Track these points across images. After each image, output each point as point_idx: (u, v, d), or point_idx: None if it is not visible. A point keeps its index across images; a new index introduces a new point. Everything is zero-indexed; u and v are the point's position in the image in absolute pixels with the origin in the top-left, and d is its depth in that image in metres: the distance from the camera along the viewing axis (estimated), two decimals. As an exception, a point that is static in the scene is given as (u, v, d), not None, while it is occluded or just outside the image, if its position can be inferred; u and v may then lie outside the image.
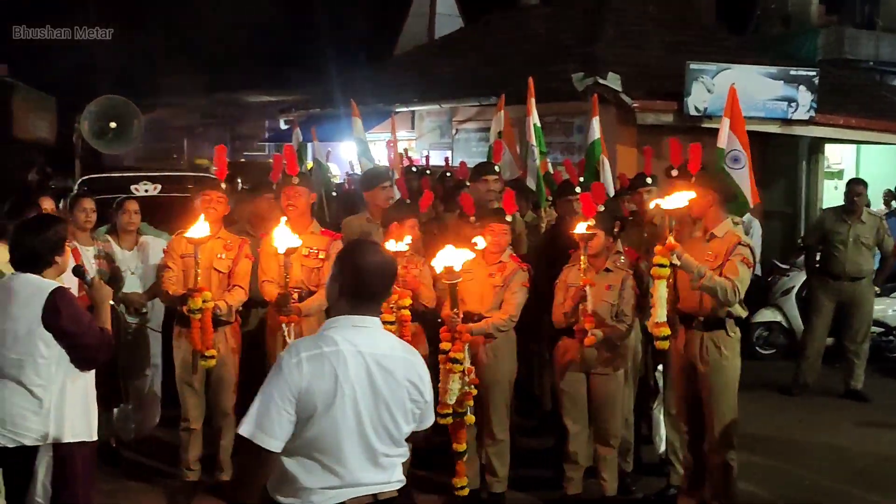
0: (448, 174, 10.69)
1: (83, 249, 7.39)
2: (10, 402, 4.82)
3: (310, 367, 3.36)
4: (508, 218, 7.09)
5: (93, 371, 5.09)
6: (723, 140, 7.74)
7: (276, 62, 24.70)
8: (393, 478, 3.55)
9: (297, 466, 3.40)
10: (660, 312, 6.10)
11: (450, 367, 6.06)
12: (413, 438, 3.68)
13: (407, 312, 6.53)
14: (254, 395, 7.12)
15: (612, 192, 8.71)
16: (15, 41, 12.57)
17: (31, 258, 4.98)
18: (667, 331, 6.12)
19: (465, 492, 6.49)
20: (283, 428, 3.35)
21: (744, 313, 6.45)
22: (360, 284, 3.53)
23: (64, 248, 5.07)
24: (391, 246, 6.30)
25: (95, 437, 5.11)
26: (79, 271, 5.29)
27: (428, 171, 11.30)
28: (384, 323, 6.37)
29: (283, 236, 6.42)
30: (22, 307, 4.83)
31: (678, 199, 6.13)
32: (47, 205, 7.55)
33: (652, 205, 7.22)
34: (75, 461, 4.94)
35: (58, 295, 4.85)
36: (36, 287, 4.88)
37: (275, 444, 3.34)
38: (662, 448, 7.46)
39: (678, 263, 6.09)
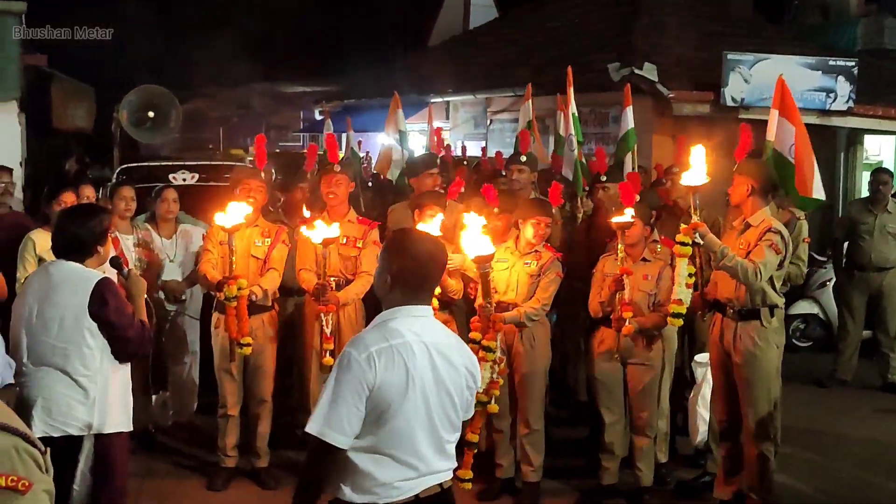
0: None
1: (122, 238, 7.46)
2: (56, 392, 4.82)
3: (381, 362, 3.32)
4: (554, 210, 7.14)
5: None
6: (772, 132, 7.59)
7: (311, 53, 24.79)
8: (453, 464, 3.58)
9: (370, 462, 3.36)
10: (678, 290, 6.11)
11: (482, 355, 6.08)
12: None
13: (435, 302, 6.57)
14: (290, 383, 7.21)
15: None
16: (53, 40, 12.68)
17: (75, 246, 4.99)
18: (682, 309, 6.14)
19: (469, 486, 6.48)
20: (352, 425, 3.30)
21: (779, 301, 6.41)
22: (411, 274, 3.49)
23: (106, 239, 5.09)
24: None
25: (132, 427, 5.17)
26: (116, 263, 5.27)
27: (465, 162, 11.35)
28: None
29: (321, 226, 6.48)
30: (67, 295, 4.84)
31: (697, 175, 6.09)
32: (88, 192, 7.63)
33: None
34: (115, 451, 4.99)
35: (104, 285, 4.88)
36: (81, 276, 4.90)
37: (343, 440, 3.30)
38: (697, 439, 7.45)
39: (701, 243, 6.08)
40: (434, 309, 6.39)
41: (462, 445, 6.31)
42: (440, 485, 3.48)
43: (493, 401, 6.14)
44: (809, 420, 8.84)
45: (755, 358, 6.30)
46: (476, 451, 6.33)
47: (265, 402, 7.17)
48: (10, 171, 8.71)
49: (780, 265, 6.29)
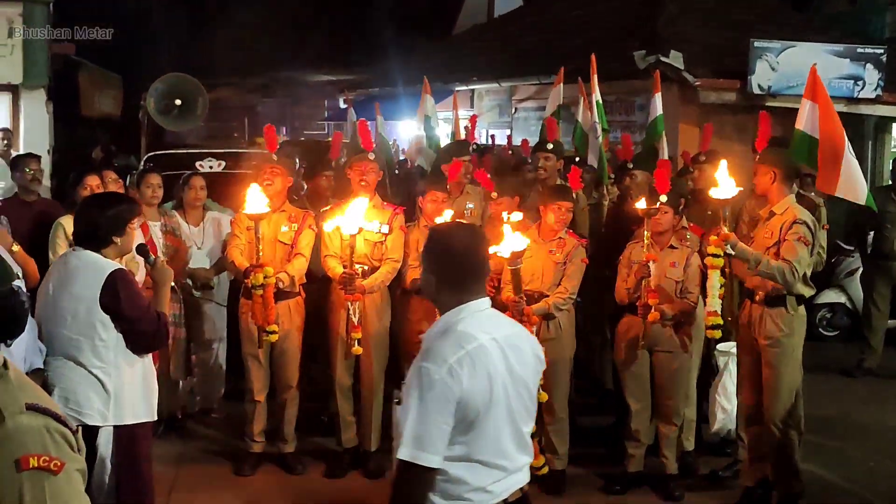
0: (510, 151, 10.71)
1: (151, 225, 7.50)
2: (73, 381, 4.78)
3: (463, 372, 3.17)
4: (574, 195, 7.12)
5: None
6: (802, 121, 7.51)
7: (336, 42, 24.80)
8: (532, 456, 3.50)
9: (460, 469, 3.23)
10: (712, 302, 6.12)
11: None
12: None
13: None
14: (316, 368, 7.20)
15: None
16: (80, 23, 12.78)
17: (91, 234, 4.91)
18: (718, 320, 6.17)
19: (545, 470, 6.55)
20: (443, 441, 3.16)
21: (809, 292, 6.39)
22: (454, 269, 3.37)
23: (125, 230, 4.96)
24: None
25: (156, 416, 5.14)
26: (143, 250, 5.21)
27: (493, 151, 11.36)
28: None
29: (350, 216, 6.50)
30: (81, 286, 4.79)
31: (727, 189, 6.10)
32: (112, 177, 7.65)
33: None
34: (137, 441, 4.96)
35: (117, 276, 4.79)
36: (95, 266, 4.82)
37: (437, 460, 3.16)
38: (715, 427, 7.45)
39: (732, 253, 6.08)
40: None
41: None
42: (521, 489, 3.41)
43: (539, 390, 6.18)
44: (836, 409, 8.80)
45: (780, 344, 6.30)
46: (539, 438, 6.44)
47: (291, 387, 7.21)
48: (38, 158, 8.76)
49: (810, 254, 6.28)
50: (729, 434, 7.41)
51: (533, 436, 6.30)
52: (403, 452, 3.14)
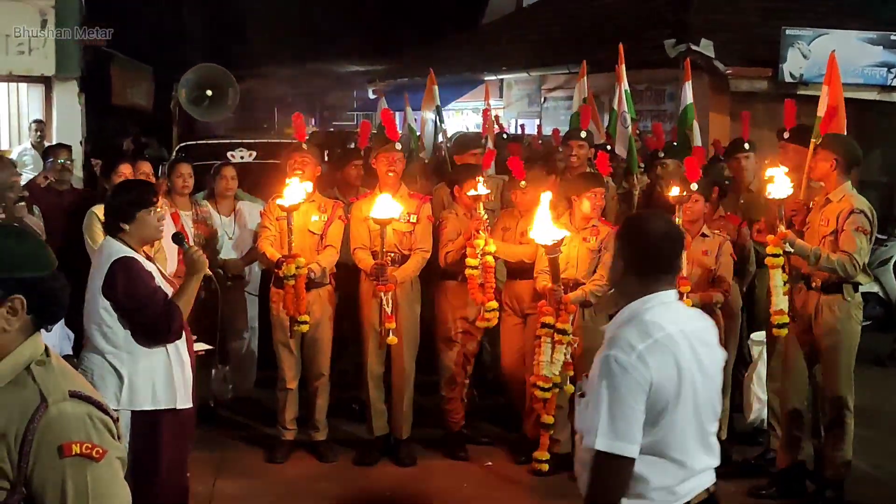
0: (540, 141, 10.68)
1: (182, 214, 7.55)
2: (92, 365, 4.86)
3: (653, 360, 3.09)
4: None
5: (178, 340, 5.03)
6: (823, 108, 7.53)
7: (365, 32, 24.82)
8: (717, 460, 3.35)
9: (644, 466, 3.12)
10: (776, 300, 6.13)
11: (558, 338, 6.15)
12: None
13: (491, 260, 6.67)
14: (346, 356, 7.15)
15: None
16: (114, 12, 12.91)
17: (107, 221, 5.02)
18: (784, 318, 6.19)
19: (545, 467, 6.57)
20: (639, 429, 3.06)
21: (866, 280, 6.39)
22: (645, 258, 3.29)
23: (135, 217, 4.93)
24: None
25: (185, 405, 5.05)
26: (178, 238, 5.20)
27: (524, 140, 11.33)
28: (469, 268, 6.60)
29: (383, 206, 6.53)
30: (94, 274, 4.88)
31: (783, 187, 6.09)
32: (145, 168, 7.69)
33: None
34: (159, 428, 4.93)
35: (118, 265, 4.81)
36: (107, 254, 4.88)
37: (634, 449, 3.06)
38: (751, 417, 7.42)
39: (791, 251, 6.08)
40: (491, 267, 6.60)
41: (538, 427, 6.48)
42: (707, 489, 3.29)
43: (566, 381, 6.22)
44: (869, 398, 8.68)
45: (836, 331, 6.31)
46: (550, 431, 6.45)
47: (323, 375, 7.24)
48: (69, 148, 8.86)
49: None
50: (762, 424, 7.38)
51: (548, 427, 6.40)
52: (601, 443, 3.05)
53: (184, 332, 5.07)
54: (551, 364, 6.26)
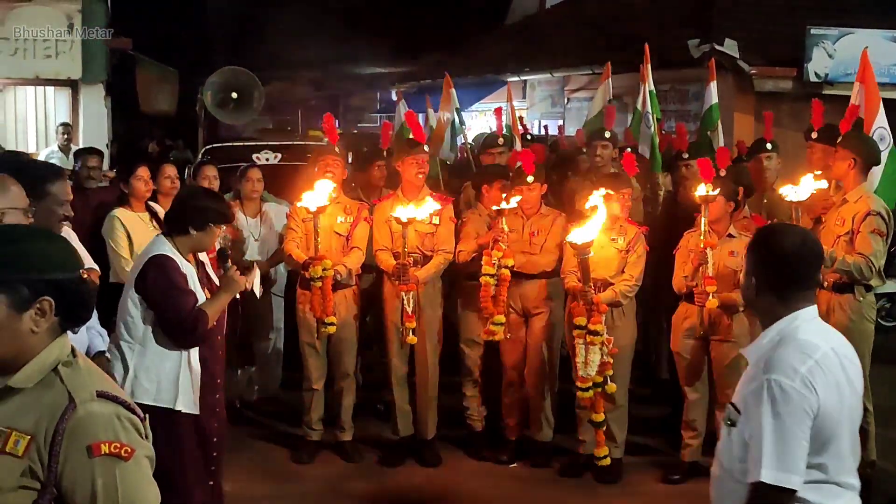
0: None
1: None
2: (113, 355, 4.93)
3: (817, 382, 2.97)
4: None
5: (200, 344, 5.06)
6: (860, 104, 7.48)
7: (388, 34, 24.86)
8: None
9: (813, 493, 3.03)
10: None
11: (591, 339, 6.16)
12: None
13: (507, 272, 6.66)
14: (371, 357, 7.15)
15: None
16: (139, 16, 13.01)
17: (172, 217, 5.11)
18: None
19: (608, 461, 6.58)
20: (803, 461, 2.96)
21: (878, 283, 6.35)
22: (792, 275, 3.14)
23: (206, 227, 5.03)
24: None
25: (188, 410, 5.04)
26: (223, 255, 5.32)
27: (546, 140, 11.31)
28: (485, 275, 6.59)
29: (403, 208, 6.56)
30: (133, 267, 4.98)
31: (803, 189, 6.06)
32: (170, 172, 7.73)
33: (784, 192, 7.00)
34: (159, 423, 4.95)
35: (154, 261, 4.90)
36: (149, 250, 4.99)
37: (799, 481, 2.96)
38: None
39: None
40: (507, 279, 6.59)
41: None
42: None
43: (607, 380, 6.23)
44: (894, 399, 8.67)
45: (849, 331, 6.24)
46: (603, 428, 6.48)
47: (349, 375, 7.28)
48: (99, 154, 8.92)
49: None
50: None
51: (598, 425, 6.43)
52: (766, 475, 2.93)
53: (210, 346, 5.15)
54: (586, 365, 6.26)
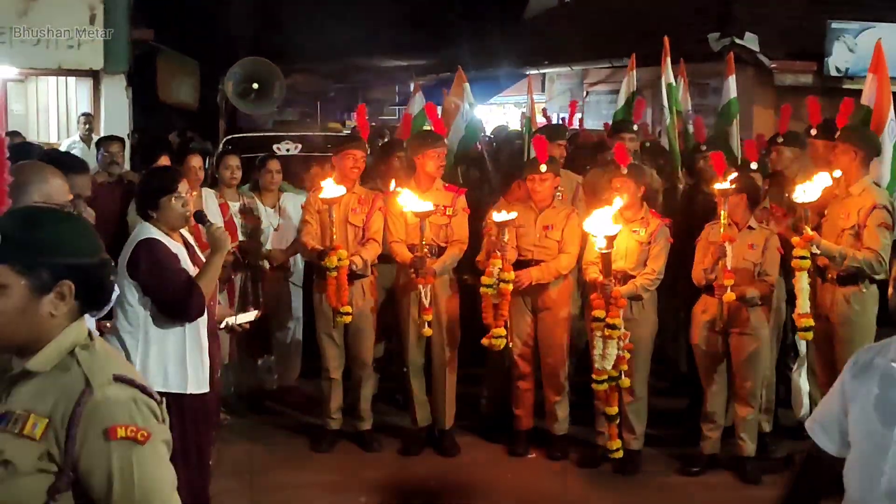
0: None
1: (230, 205, 7.69)
2: (114, 346, 4.86)
3: None
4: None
5: (198, 324, 5.09)
6: (867, 97, 7.48)
7: (407, 27, 24.84)
8: None
9: None
10: (802, 304, 6.10)
11: (608, 332, 6.15)
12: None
13: (509, 287, 6.60)
14: (391, 348, 7.18)
15: (737, 154, 8.52)
16: (161, 7, 13.03)
17: (137, 209, 5.18)
18: (810, 322, 6.17)
19: (620, 453, 6.57)
20: None
21: (884, 274, 6.33)
22: None
23: (158, 204, 5.04)
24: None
25: (197, 390, 5.07)
26: (200, 217, 5.35)
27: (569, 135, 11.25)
28: (483, 286, 6.53)
29: (413, 201, 6.56)
30: (122, 255, 4.98)
31: (812, 191, 6.05)
32: (194, 162, 7.76)
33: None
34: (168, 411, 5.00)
35: (142, 246, 4.94)
36: (135, 236, 5.03)
37: None
38: (801, 413, 7.35)
39: (818, 252, 6.07)
40: (508, 293, 6.51)
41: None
42: None
43: (622, 375, 6.23)
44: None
45: (851, 322, 6.30)
46: (616, 422, 6.46)
47: (367, 365, 7.30)
48: (120, 141, 8.97)
49: None
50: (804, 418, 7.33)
51: (612, 418, 6.41)
52: None
53: (207, 317, 5.17)
54: (603, 359, 6.25)
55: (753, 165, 6.85)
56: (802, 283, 6.10)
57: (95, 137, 11.97)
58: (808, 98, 7.61)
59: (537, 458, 7.20)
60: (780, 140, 7.82)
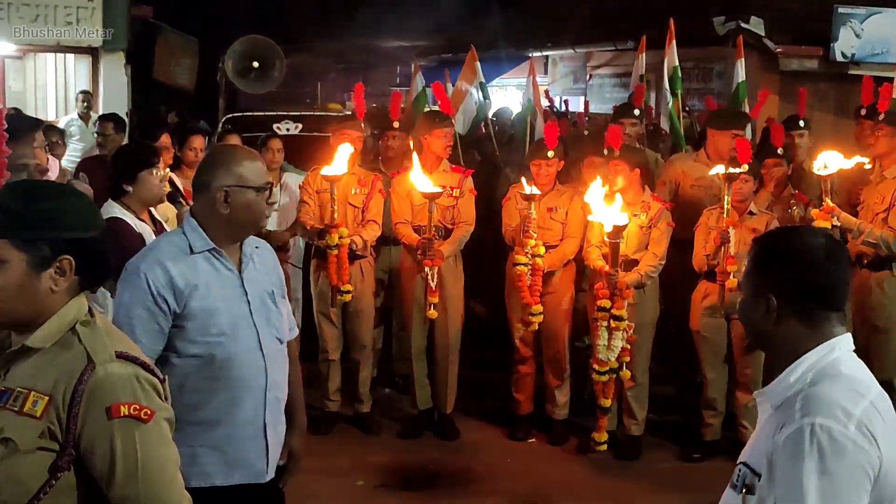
0: (587, 119, 10.57)
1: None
2: None
3: (876, 430, 2.27)
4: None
5: None
6: None
7: (408, 7, 24.73)
8: None
9: None
10: None
11: (614, 324, 6.09)
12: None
13: (540, 261, 6.57)
14: (389, 329, 7.05)
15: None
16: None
17: (111, 184, 5.07)
18: None
19: (605, 447, 6.52)
20: None
21: None
22: (820, 291, 2.43)
23: (136, 177, 4.99)
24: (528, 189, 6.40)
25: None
26: (173, 198, 5.36)
27: (567, 115, 11.23)
28: (517, 265, 6.49)
29: (422, 182, 6.49)
30: None
31: (834, 163, 6.01)
32: (197, 143, 7.70)
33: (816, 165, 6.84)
34: None
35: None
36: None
37: None
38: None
39: (838, 224, 6.03)
40: (540, 268, 6.47)
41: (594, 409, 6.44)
42: None
43: (623, 366, 6.18)
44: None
45: (883, 307, 6.24)
46: (608, 415, 6.41)
47: (365, 347, 7.26)
48: (113, 118, 8.98)
49: None
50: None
51: (605, 410, 6.34)
52: None
53: None
54: (609, 350, 6.18)
55: (780, 151, 6.76)
56: None
57: (94, 115, 11.93)
58: (864, 78, 7.59)
59: (537, 444, 7.17)
60: (802, 124, 7.77)
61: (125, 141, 9.44)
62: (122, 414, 2.39)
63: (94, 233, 2.55)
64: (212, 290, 3.52)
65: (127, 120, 12.23)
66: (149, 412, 2.43)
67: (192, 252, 3.53)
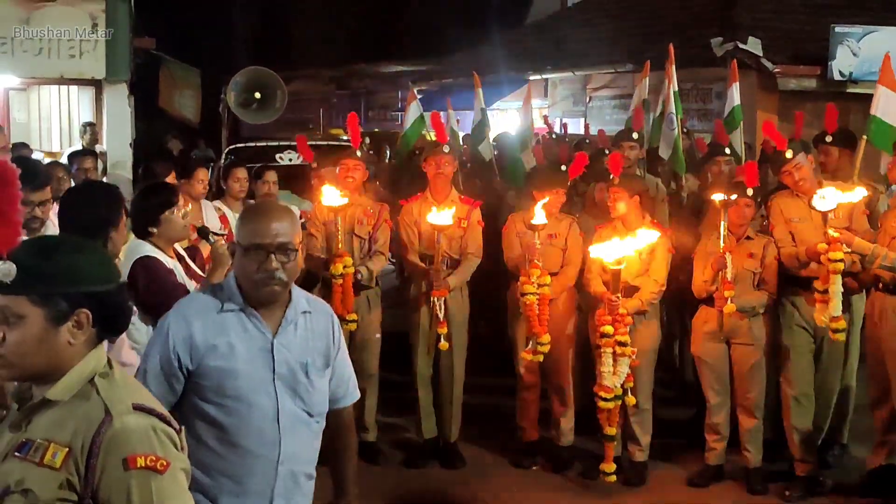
0: (587, 141, 10.60)
1: (236, 217, 7.64)
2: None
3: None
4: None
5: None
6: (877, 107, 7.51)
7: (409, 32, 24.85)
8: None
9: None
10: (834, 305, 6.06)
11: (620, 350, 6.11)
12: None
13: (547, 290, 6.58)
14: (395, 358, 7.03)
15: (742, 161, 8.47)
16: (163, 16, 13.06)
17: (134, 225, 5.08)
18: (842, 324, 6.14)
19: (613, 478, 6.53)
20: None
21: None
22: None
23: (159, 220, 5.02)
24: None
25: None
26: (204, 233, 5.36)
27: (566, 139, 11.26)
28: (524, 295, 6.50)
29: (433, 213, 6.56)
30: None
31: (830, 200, 6.03)
32: (201, 176, 7.73)
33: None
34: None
35: (138, 264, 4.88)
36: (130, 255, 4.95)
37: None
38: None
39: (850, 251, 6.05)
40: (547, 297, 6.46)
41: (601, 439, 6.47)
42: None
43: (628, 392, 6.20)
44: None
45: None
46: (614, 443, 6.42)
47: (372, 375, 7.26)
48: (93, 155, 9.11)
49: None
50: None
51: (610, 438, 6.36)
52: None
53: None
54: (614, 376, 6.20)
55: (750, 192, 6.75)
56: (836, 286, 6.04)
57: (99, 147, 12.01)
58: (827, 105, 7.61)
59: (542, 470, 7.19)
60: (829, 139, 7.75)
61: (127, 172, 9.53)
62: (138, 465, 2.41)
63: (111, 285, 2.58)
64: (236, 350, 3.37)
65: (131, 151, 12.36)
66: (165, 463, 2.45)
67: (222, 309, 3.41)
